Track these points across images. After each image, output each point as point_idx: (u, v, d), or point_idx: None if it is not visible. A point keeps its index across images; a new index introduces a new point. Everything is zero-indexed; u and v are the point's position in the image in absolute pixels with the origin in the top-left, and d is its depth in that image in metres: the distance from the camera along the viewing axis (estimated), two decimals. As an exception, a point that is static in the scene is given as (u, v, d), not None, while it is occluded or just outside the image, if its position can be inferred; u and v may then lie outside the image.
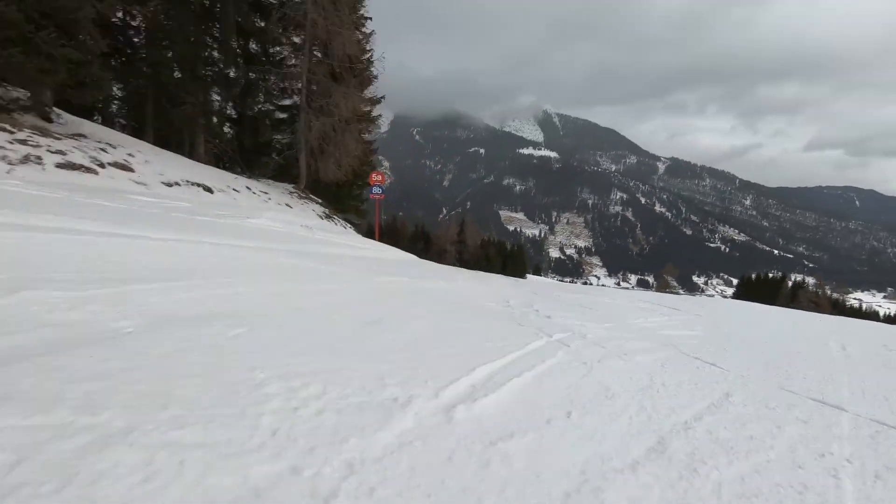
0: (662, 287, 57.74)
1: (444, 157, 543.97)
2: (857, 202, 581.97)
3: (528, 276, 74.49)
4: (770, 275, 71.45)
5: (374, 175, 25.22)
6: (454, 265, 54.86)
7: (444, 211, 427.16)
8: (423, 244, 54.53)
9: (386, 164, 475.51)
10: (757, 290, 66.50)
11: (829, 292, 60.32)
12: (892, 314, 70.43)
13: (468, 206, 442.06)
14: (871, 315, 64.60)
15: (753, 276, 72.28)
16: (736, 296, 74.58)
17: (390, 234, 58.23)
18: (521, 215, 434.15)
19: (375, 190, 24.00)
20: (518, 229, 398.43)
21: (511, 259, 65.09)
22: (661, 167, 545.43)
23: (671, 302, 9.97)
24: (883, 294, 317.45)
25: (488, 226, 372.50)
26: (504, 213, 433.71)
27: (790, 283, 63.35)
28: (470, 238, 57.58)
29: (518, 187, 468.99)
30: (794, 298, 57.54)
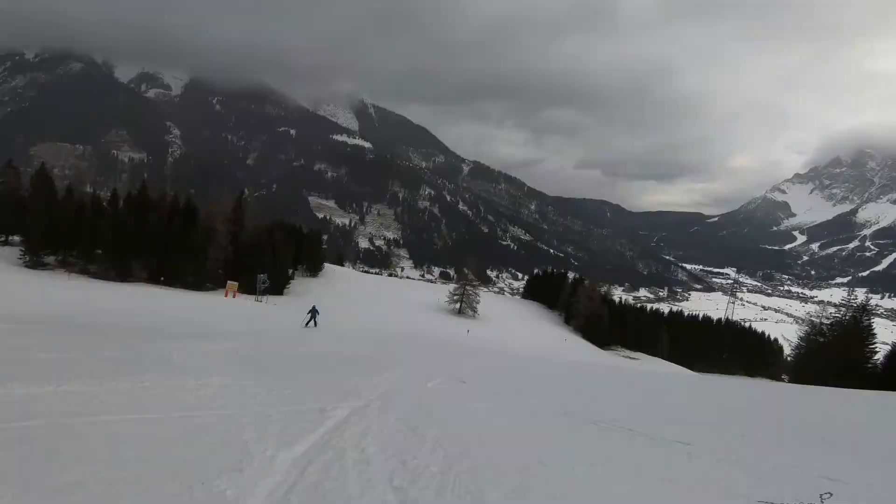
0: (462, 280, 57.14)
1: (249, 134, 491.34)
2: (608, 213, 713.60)
3: (325, 265, 67.57)
4: (552, 271, 77.90)
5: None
6: (220, 255, 44.49)
7: (247, 192, 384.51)
8: (180, 222, 42.99)
9: (176, 132, 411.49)
10: (543, 284, 72.04)
11: (600, 289, 68.21)
12: (624, 299, 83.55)
13: (274, 188, 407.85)
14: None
15: (540, 272, 78.22)
16: (526, 289, 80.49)
17: (139, 206, 45.06)
18: (331, 203, 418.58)
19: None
20: (328, 217, 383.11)
21: (307, 246, 57.26)
22: (466, 169, 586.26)
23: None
24: (622, 287, 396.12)
25: (296, 211, 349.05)
26: (314, 200, 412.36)
27: (570, 280, 69.68)
28: (249, 219, 47.91)
29: (330, 174, 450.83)
30: (574, 293, 63.46)
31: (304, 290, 47.41)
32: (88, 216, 39.37)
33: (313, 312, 23.43)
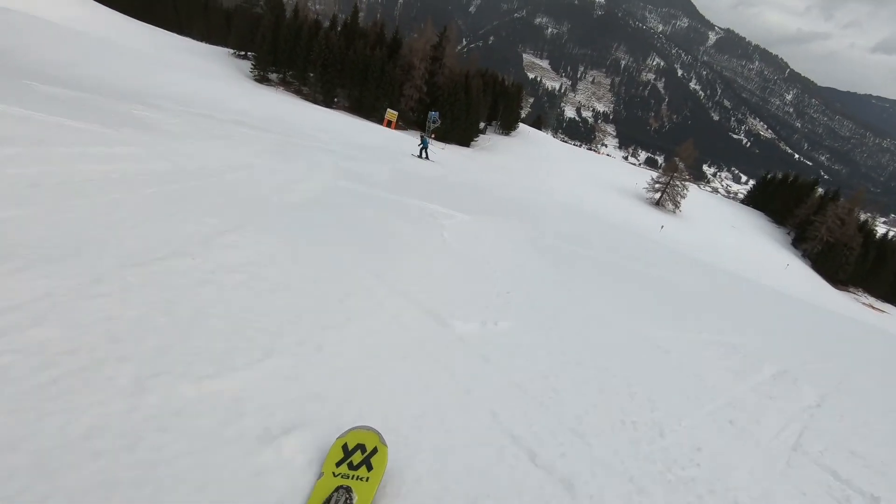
0: (671, 170, 48.25)
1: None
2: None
3: (521, 126, 63.22)
4: (795, 177, 61.25)
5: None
6: (413, 94, 43.39)
7: (464, 42, 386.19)
8: (386, 52, 42.42)
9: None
10: (777, 192, 57.26)
11: (859, 214, 51.64)
12: (889, 234, 62.18)
13: (491, 41, 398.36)
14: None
15: (777, 176, 62.17)
16: (751, 195, 65.69)
17: (349, 33, 45.90)
18: (545, 63, 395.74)
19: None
20: (539, 79, 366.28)
21: (504, 99, 53.09)
22: (712, 38, 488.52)
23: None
24: (884, 219, 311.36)
25: (508, 68, 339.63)
26: (528, 58, 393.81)
27: (819, 194, 54.03)
28: (451, 58, 44.76)
29: (550, 30, 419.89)
30: (821, 211, 49.15)
31: (492, 146, 45.12)
32: (305, 39, 41.39)
33: (424, 143, 21.30)
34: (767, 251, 43.98)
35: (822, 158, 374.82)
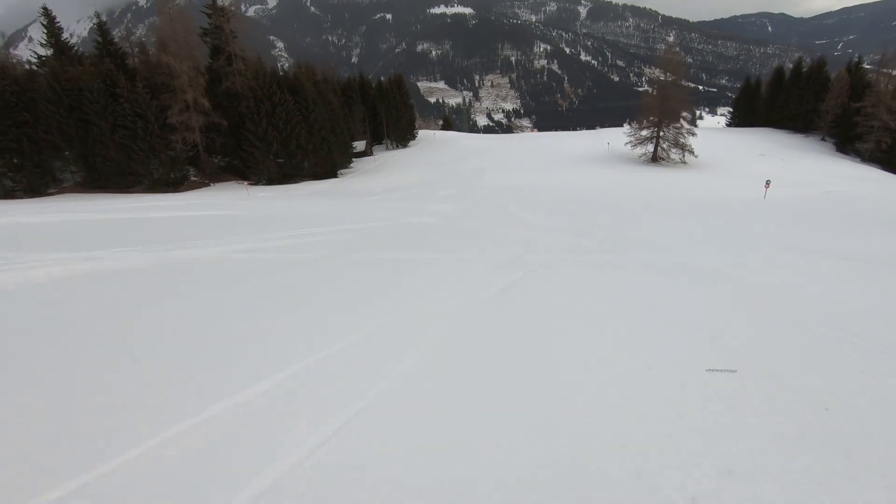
0: (652, 106, 32.76)
1: (348, 30, 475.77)
2: (769, 27, 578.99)
3: (420, 133, 46.44)
4: (797, 69, 46.81)
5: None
6: (190, 121, 23.18)
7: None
8: (115, 66, 24.49)
9: (280, 45, 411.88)
10: (776, 97, 43.23)
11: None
12: None
13: (382, 80, 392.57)
14: None
15: (757, 78, 48.46)
16: (736, 114, 51.74)
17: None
18: (441, 84, 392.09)
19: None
20: (441, 100, 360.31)
21: (385, 102, 36.33)
22: (583, 12, 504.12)
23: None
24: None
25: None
26: (423, 84, 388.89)
27: (843, 73, 40.10)
28: (244, 47, 25.49)
29: (434, 52, 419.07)
30: (867, 93, 35.24)
31: (381, 166, 28.28)
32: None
33: None
34: (839, 171, 29.00)
35: (724, 81, 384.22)
